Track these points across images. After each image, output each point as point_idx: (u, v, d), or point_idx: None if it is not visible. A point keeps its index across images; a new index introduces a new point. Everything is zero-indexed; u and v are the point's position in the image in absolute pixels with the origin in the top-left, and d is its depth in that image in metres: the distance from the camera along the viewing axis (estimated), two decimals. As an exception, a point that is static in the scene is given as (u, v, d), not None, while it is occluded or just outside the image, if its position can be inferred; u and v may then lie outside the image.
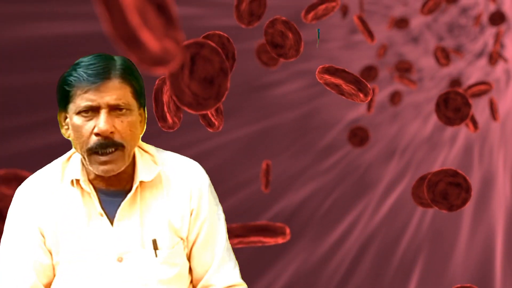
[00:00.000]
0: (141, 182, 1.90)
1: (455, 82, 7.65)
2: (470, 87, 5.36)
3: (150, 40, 1.24)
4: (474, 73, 8.15)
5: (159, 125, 2.54)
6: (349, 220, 7.14)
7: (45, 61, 4.45)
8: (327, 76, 2.65)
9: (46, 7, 4.59)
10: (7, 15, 4.42)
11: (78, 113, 1.82)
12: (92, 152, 1.82)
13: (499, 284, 6.86)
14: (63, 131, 1.89)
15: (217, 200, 2.01)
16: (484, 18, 7.67)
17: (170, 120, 2.52)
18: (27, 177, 1.98)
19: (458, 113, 3.44)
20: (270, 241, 2.97)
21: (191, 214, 1.93)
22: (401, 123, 7.93)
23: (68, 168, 1.92)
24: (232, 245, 2.91)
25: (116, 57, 1.87)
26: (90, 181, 1.89)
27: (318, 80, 2.68)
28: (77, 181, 1.89)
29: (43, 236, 1.88)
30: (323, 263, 6.71)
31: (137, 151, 1.93)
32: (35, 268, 1.87)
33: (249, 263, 3.94)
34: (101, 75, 1.81)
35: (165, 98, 2.46)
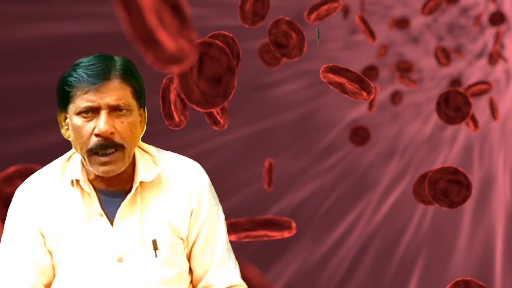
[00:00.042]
0: (141, 182, 1.90)
1: (455, 82, 7.65)
2: (470, 86, 5.37)
3: (167, 40, 1.26)
4: (474, 73, 8.15)
5: (166, 123, 2.57)
6: (349, 220, 7.14)
7: (45, 61, 4.46)
8: (330, 75, 2.67)
9: (46, 7, 4.59)
10: (7, 15, 4.43)
11: (78, 113, 1.82)
12: (92, 153, 1.81)
13: (499, 284, 6.86)
14: (63, 131, 1.89)
15: (217, 200, 2.01)
16: (484, 18, 7.67)
17: (177, 118, 2.55)
18: None
19: (459, 112, 3.45)
20: (276, 235, 2.98)
21: (191, 214, 1.93)
22: (401, 123, 7.94)
23: (68, 168, 1.92)
24: (239, 239, 2.91)
25: (116, 58, 1.86)
26: (90, 181, 1.89)
27: (322, 79, 2.70)
28: (77, 181, 1.89)
29: (43, 236, 1.88)
30: (323, 263, 6.72)
31: (137, 151, 1.92)
32: (35, 268, 1.87)
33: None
34: (101, 76, 1.80)
35: (172, 96, 2.48)
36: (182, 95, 2.08)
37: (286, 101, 7.01)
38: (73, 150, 1.92)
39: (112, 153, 1.81)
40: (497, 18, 6.38)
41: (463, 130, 7.91)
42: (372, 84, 2.66)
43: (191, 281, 1.99)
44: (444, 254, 7.08)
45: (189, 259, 1.97)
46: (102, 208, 1.88)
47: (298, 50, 3.01)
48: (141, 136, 1.92)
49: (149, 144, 1.99)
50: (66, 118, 1.87)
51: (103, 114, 1.80)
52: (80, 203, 1.88)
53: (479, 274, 6.84)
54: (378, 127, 7.54)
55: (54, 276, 1.90)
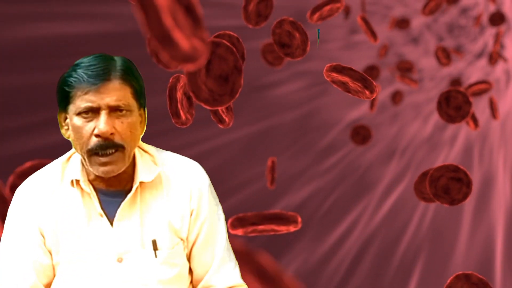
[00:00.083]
0: (141, 182, 1.90)
1: (455, 82, 7.66)
2: (470, 86, 5.37)
3: (181, 39, 1.28)
4: (474, 73, 8.15)
5: (173, 121, 2.59)
6: (349, 220, 7.14)
7: (45, 61, 4.46)
8: (334, 74, 2.68)
9: (46, 7, 4.59)
10: (7, 15, 4.43)
11: (78, 114, 1.82)
12: (92, 153, 1.81)
13: (499, 284, 6.87)
14: (63, 131, 1.89)
15: (217, 200, 2.01)
16: (484, 19, 7.68)
17: (183, 116, 2.58)
18: None
19: (459, 111, 3.47)
20: (283, 229, 3.00)
21: (191, 215, 1.93)
22: (401, 123, 7.94)
23: (68, 168, 1.92)
24: (246, 233, 2.92)
25: (116, 58, 1.86)
26: (90, 182, 1.89)
27: (326, 78, 2.72)
28: (77, 181, 1.89)
29: (43, 236, 1.88)
30: (323, 263, 6.72)
31: (137, 151, 1.92)
32: (35, 268, 1.87)
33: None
34: (101, 76, 1.80)
35: (179, 95, 2.50)
36: (191, 93, 2.12)
37: (287, 101, 7.02)
38: (73, 150, 1.92)
39: (112, 153, 1.81)
40: (497, 18, 6.39)
41: (463, 130, 7.91)
42: (374, 83, 2.68)
43: (191, 281, 1.99)
44: (444, 254, 7.08)
45: (189, 259, 1.97)
46: (102, 208, 1.88)
47: (301, 50, 3.04)
48: (141, 136, 1.92)
49: (155, 142, 1.99)
50: (66, 118, 1.87)
51: (103, 115, 1.80)
52: (80, 203, 1.88)
53: (479, 273, 6.83)
54: (378, 127, 7.54)
55: (54, 276, 1.90)
